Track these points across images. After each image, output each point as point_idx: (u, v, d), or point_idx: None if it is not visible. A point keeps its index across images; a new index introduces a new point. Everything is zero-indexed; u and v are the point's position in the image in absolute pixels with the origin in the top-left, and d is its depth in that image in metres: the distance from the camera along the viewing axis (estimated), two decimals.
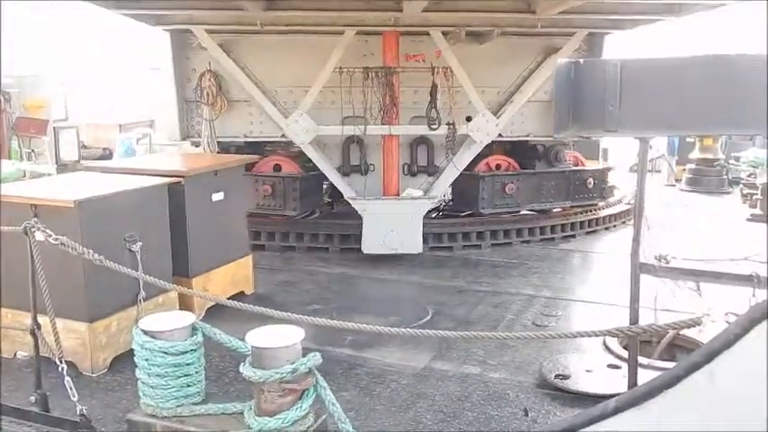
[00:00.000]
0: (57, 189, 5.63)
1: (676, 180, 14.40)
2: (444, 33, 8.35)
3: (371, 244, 8.31)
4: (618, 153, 14.08)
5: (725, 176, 13.81)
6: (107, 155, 15.85)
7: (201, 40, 8.51)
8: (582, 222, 9.98)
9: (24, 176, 6.77)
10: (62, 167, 12.60)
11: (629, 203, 11.03)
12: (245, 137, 9.44)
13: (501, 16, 8.10)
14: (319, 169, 9.02)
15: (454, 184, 9.38)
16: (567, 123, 3.33)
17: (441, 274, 7.93)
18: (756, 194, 11.42)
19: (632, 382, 3.73)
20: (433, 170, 9.38)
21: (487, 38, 8.72)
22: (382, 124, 8.46)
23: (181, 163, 6.95)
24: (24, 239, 4.08)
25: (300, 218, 9.38)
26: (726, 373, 2.15)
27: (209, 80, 9.00)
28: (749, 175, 12.52)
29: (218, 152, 9.01)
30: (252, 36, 8.87)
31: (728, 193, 13.42)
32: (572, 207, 10.14)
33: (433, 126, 8.51)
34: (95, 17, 18.16)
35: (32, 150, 13.88)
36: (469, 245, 9.07)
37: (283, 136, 8.83)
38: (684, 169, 14.29)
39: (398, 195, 8.68)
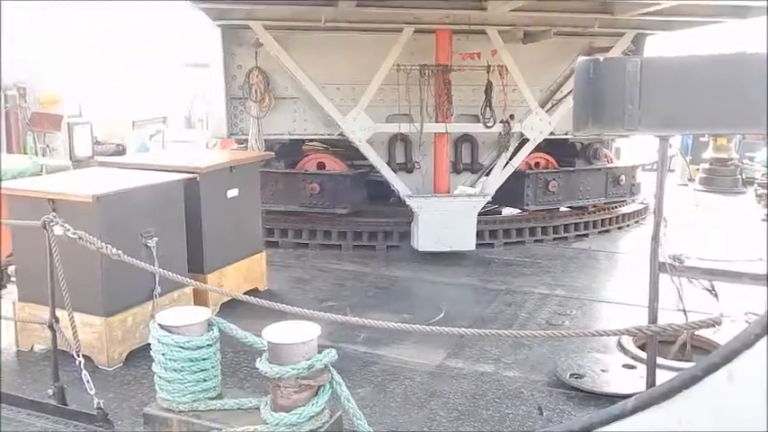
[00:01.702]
0: (74, 184, 5.66)
1: (690, 180, 14.33)
2: (500, 32, 8.32)
3: (426, 242, 8.30)
4: (630, 152, 14.00)
5: (739, 176, 13.73)
6: (120, 150, 15.94)
7: (260, 36, 8.28)
8: (595, 222, 9.97)
9: (42, 171, 6.84)
10: (76, 163, 12.66)
11: (641, 203, 11.01)
12: (290, 134, 9.40)
13: (559, 16, 8.11)
14: (361, 167, 9.03)
15: None
16: (587, 121, 3.31)
17: (454, 273, 7.93)
18: None
19: (651, 381, 3.71)
20: (477, 168, 9.38)
21: (540, 37, 8.68)
22: (436, 122, 8.46)
23: (196, 159, 6.97)
24: (43, 234, 4.12)
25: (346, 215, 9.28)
26: (745, 373, 2.14)
27: (257, 77, 8.90)
28: (763, 175, 12.45)
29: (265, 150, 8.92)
30: (300, 33, 8.70)
31: (743, 192, 13.34)
32: (606, 204, 10.26)
33: (489, 124, 8.51)
34: (95, 17, 18.20)
35: (47, 146, 13.97)
36: (482, 243, 9.04)
37: (340, 134, 8.65)
38: (698, 169, 14.22)
39: (449, 193, 8.66)
